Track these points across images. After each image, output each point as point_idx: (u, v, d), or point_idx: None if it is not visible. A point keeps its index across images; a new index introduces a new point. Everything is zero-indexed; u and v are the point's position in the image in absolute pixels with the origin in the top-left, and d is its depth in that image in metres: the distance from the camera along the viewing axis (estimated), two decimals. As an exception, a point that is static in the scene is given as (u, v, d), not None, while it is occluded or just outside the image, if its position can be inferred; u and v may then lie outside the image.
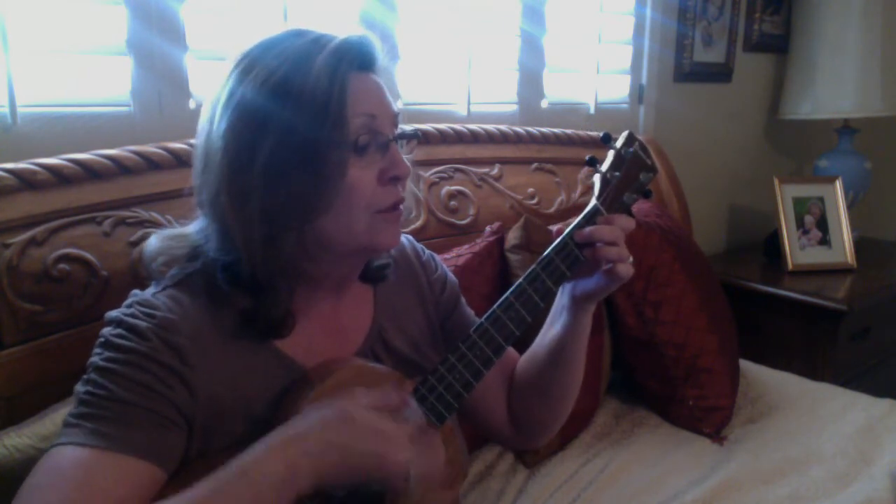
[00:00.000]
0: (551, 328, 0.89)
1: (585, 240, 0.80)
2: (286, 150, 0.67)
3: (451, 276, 0.97)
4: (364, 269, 0.83)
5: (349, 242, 0.73)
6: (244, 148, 0.68)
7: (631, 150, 0.84)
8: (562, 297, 0.87)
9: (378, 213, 0.73)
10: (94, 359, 0.68)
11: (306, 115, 0.67)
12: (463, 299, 0.97)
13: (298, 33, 0.71)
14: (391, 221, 0.74)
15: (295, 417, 0.67)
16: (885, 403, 1.54)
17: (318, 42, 0.69)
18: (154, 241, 0.77)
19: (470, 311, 0.97)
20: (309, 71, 0.67)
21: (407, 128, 0.78)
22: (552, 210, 1.64)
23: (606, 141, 0.85)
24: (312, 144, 0.67)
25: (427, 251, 0.96)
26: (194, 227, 0.77)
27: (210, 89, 0.73)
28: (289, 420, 0.67)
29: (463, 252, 1.35)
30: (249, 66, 0.69)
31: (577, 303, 0.84)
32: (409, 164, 0.75)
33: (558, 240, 0.81)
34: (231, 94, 0.69)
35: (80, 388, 0.67)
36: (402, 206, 0.76)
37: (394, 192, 0.74)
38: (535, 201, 1.61)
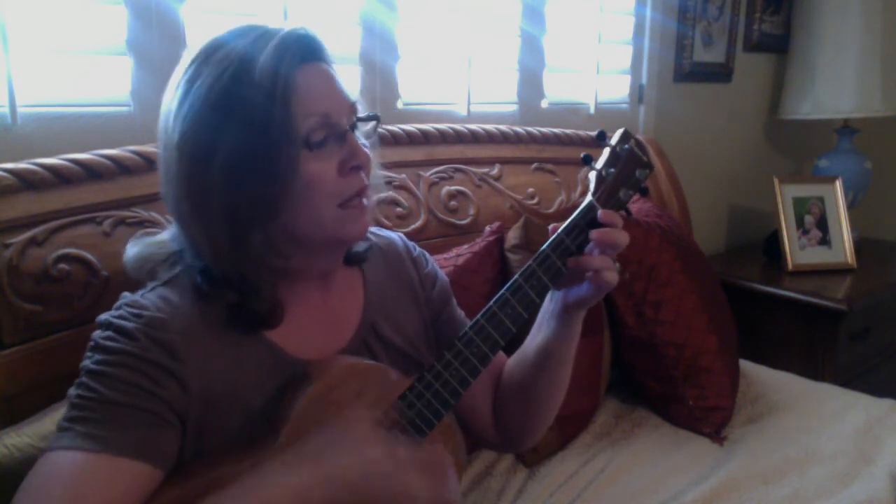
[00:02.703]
0: (539, 333, 0.89)
1: (599, 240, 0.79)
2: (239, 154, 0.67)
3: (443, 274, 0.97)
4: (346, 254, 0.84)
5: (318, 235, 0.73)
6: (198, 156, 0.68)
7: (626, 147, 0.84)
8: (551, 303, 0.86)
9: (343, 204, 0.73)
10: (86, 362, 0.68)
11: (254, 118, 0.67)
12: (454, 300, 0.97)
13: (241, 33, 0.71)
14: (357, 210, 0.74)
15: (316, 456, 0.67)
16: (885, 403, 1.54)
17: (260, 41, 0.69)
18: (135, 249, 0.78)
19: (461, 313, 0.97)
20: (252, 73, 0.67)
21: (369, 113, 0.78)
22: (552, 210, 1.64)
23: (602, 138, 0.85)
24: (263, 146, 0.67)
25: (418, 248, 0.96)
26: (168, 234, 0.77)
27: (164, 97, 0.72)
28: (305, 447, 0.68)
29: (463, 252, 1.35)
30: (195, 73, 0.69)
31: (568, 310, 0.84)
32: (368, 151, 0.75)
33: (554, 236, 0.81)
34: (181, 104, 0.69)
35: (72, 392, 0.67)
36: (365, 197, 0.75)
37: (356, 182, 0.74)
38: (535, 201, 1.61)
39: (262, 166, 0.68)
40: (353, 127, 0.75)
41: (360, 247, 0.86)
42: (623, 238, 0.79)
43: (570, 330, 0.86)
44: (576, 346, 0.89)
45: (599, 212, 0.80)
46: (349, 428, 0.69)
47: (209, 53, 0.70)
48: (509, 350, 0.96)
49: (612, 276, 0.79)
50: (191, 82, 0.69)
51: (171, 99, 0.71)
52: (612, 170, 0.83)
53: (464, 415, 0.94)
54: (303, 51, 0.71)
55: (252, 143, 0.67)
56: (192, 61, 0.70)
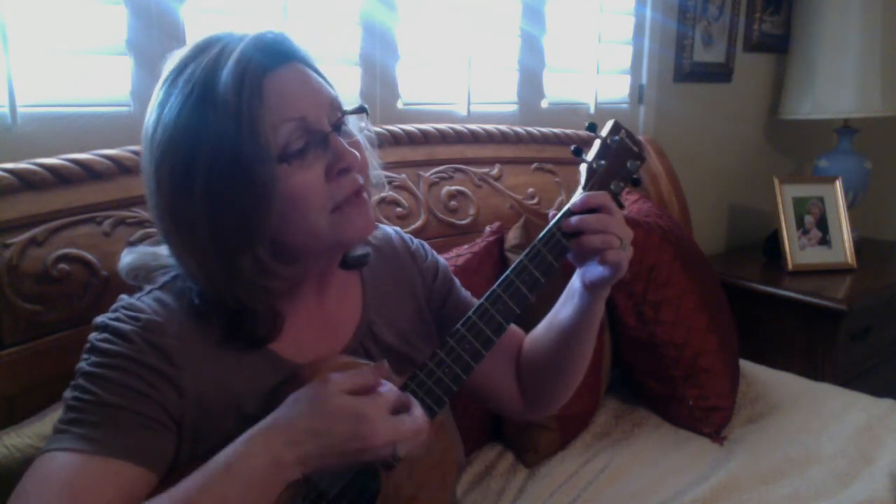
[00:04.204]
0: (563, 308, 0.88)
1: (572, 229, 0.79)
2: (215, 181, 0.65)
3: (442, 260, 0.96)
4: (344, 259, 0.82)
5: (316, 244, 0.71)
6: (178, 183, 0.66)
7: (616, 138, 0.83)
8: (575, 280, 0.86)
9: (337, 209, 0.70)
10: (82, 364, 0.67)
11: (225, 138, 0.65)
12: (457, 282, 0.96)
13: (203, 47, 0.68)
14: (356, 210, 0.72)
15: (276, 409, 0.67)
16: (885, 403, 1.54)
17: (222, 55, 0.66)
18: (130, 257, 0.77)
19: (466, 293, 0.96)
20: (215, 94, 0.64)
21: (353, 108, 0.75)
22: (552, 210, 1.64)
23: (592, 130, 0.85)
24: (237, 170, 0.65)
25: (416, 240, 0.95)
26: (164, 248, 0.75)
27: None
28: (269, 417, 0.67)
29: (463, 252, 1.35)
30: (165, 96, 0.68)
31: (587, 289, 0.84)
32: (361, 147, 0.74)
33: (545, 230, 0.81)
34: (154, 130, 0.67)
35: (68, 394, 0.67)
36: (364, 193, 0.73)
37: (347, 184, 0.71)
38: (535, 201, 1.61)
39: (240, 191, 0.65)
40: (340, 124, 0.72)
41: (359, 252, 0.84)
42: (601, 222, 0.78)
43: (593, 308, 0.85)
44: (597, 325, 0.89)
45: (583, 195, 0.80)
46: (309, 391, 0.67)
47: (178, 72, 0.68)
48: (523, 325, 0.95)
49: (614, 256, 0.78)
50: (161, 106, 0.67)
51: (146, 122, 0.69)
52: (603, 161, 0.83)
53: (485, 393, 0.94)
54: (270, 56, 0.68)
55: (226, 168, 0.65)
56: (163, 83, 0.69)
